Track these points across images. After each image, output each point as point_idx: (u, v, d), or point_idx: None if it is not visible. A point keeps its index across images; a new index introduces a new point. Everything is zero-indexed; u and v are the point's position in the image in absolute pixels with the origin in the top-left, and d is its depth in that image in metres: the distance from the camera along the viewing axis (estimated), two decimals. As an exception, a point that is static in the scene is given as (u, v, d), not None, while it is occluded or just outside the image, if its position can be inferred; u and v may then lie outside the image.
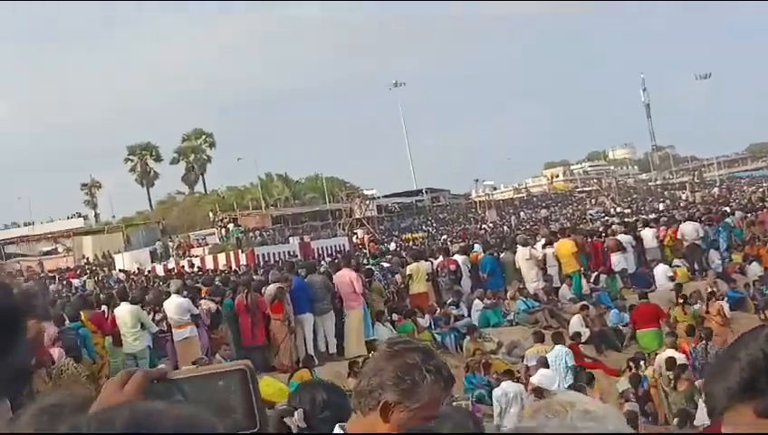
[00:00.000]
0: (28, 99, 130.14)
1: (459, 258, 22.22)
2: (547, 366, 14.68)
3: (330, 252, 48.16)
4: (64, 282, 50.35)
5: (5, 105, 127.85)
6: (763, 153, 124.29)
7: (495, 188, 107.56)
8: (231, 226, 52.70)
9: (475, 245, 28.82)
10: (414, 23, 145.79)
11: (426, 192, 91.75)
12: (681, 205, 63.46)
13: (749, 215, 30.89)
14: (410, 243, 54.30)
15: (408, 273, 21.33)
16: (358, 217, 64.77)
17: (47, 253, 71.29)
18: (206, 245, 52.85)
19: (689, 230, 24.34)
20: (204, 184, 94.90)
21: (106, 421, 1.06)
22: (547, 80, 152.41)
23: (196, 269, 44.32)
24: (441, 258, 22.47)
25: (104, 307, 16.84)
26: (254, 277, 22.24)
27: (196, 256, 49.46)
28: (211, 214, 61.34)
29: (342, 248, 50.09)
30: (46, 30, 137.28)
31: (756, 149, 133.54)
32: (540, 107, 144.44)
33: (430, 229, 70.05)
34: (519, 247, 22.42)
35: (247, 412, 1.40)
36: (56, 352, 12.78)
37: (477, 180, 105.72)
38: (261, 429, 1.40)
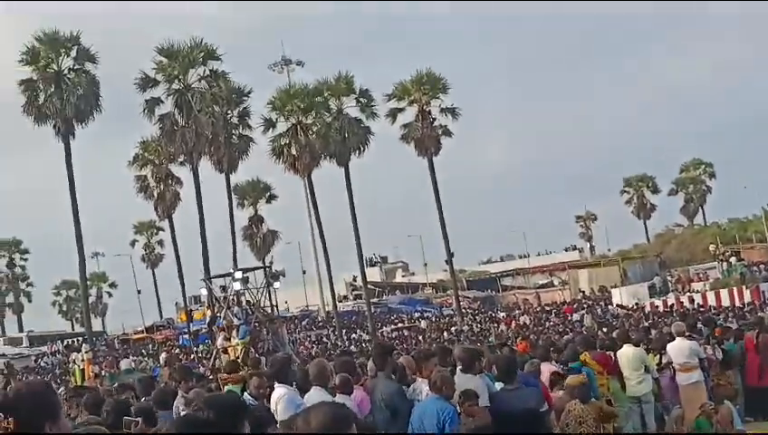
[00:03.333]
0: (521, 136, 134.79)
1: None
2: None
3: None
4: (561, 316, 50.77)
5: (499, 140, 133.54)
6: None
7: None
8: (733, 259, 49.98)
9: None
10: None
11: None
12: None
13: None
14: None
15: None
16: None
17: (543, 286, 72.62)
18: (707, 279, 50.56)
19: None
20: (703, 216, 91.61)
21: None
22: None
23: (696, 305, 42.44)
24: None
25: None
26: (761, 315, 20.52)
27: (697, 292, 47.44)
28: (711, 247, 58.67)
29: None
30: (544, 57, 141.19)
31: None
32: None
33: None
34: None
35: None
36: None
37: None
38: None
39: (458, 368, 9.52)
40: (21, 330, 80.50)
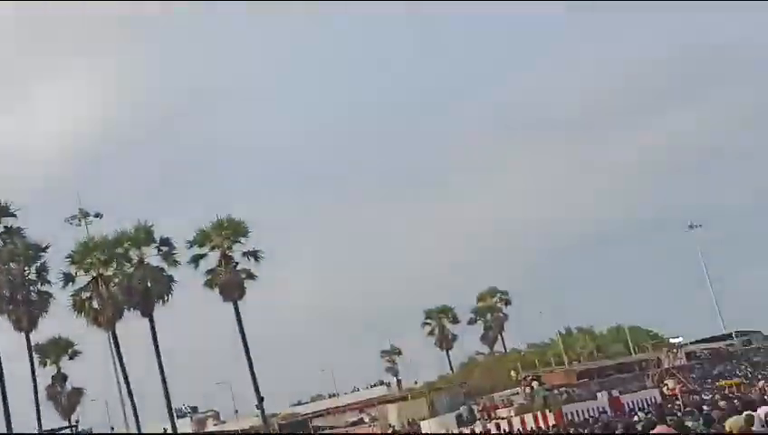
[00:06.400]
0: (324, 274, 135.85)
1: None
2: None
3: (641, 405, 46.21)
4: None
5: (303, 280, 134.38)
6: None
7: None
8: (535, 384, 51.85)
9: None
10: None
11: (735, 335, 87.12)
12: None
13: None
14: (725, 391, 51.13)
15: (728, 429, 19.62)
16: (666, 366, 62.27)
17: (353, 423, 72.78)
18: (512, 405, 52.15)
19: None
20: (503, 342, 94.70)
21: None
22: None
23: (503, 432, 43.75)
24: None
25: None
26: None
27: (503, 418, 48.80)
28: (513, 373, 60.72)
29: (653, 401, 47.98)
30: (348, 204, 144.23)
31: None
32: None
33: (746, 374, 65.95)
34: None
35: None
36: None
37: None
38: None
39: None
40: None
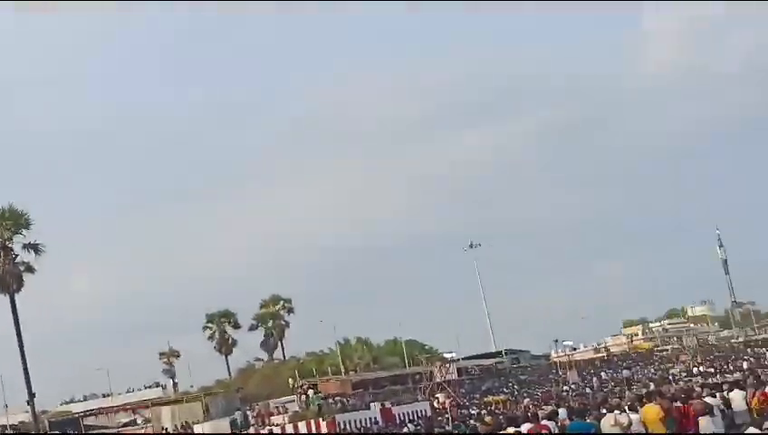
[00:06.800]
0: (107, 272, 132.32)
1: (548, 424, 21.77)
2: None
3: (411, 417, 47.79)
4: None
5: (85, 277, 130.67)
6: None
7: (575, 348, 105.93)
8: (311, 392, 52.64)
9: (560, 410, 28.30)
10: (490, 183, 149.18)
11: (505, 353, 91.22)
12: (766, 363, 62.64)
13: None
14: (492, 407, 53.71)
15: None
16: (438, 380, 64.47)
17: (126, 424, 71.55)
18: (287, 412, 52.79)
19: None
20: (283, 350, 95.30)
21: None
22: (622, 238, 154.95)
23: (277, 438, 44.41)
24: (530, 424, 22.04)
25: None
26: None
27: (277, 425, 49.34)
28: (290, 381, 61.37)
29: (424, 414, 49.72)
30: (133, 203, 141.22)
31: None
32: (615, 265, 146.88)
33: (513, 391, 69.27)
34: (606, 414, 22.00)
35: None
36: None
37: (557, 340, 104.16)
38: None
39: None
40: None
